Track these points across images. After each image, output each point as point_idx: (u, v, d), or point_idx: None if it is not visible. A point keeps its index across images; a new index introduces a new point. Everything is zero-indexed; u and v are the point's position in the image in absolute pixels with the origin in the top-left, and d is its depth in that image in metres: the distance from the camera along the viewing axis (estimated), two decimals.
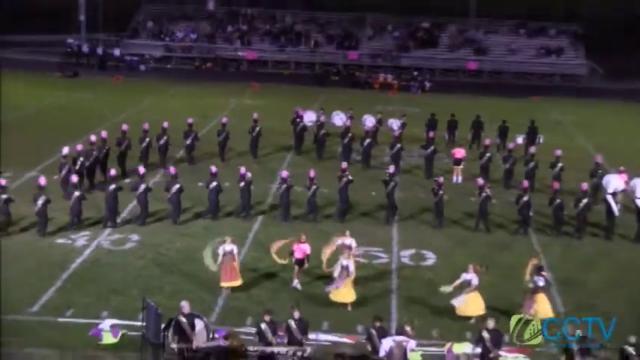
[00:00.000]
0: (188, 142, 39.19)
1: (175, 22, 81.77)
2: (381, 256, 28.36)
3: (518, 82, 74.56)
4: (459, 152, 38.58)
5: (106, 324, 22.24)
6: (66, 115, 49.80)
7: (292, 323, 20.62)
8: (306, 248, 25.35)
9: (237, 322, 22.75)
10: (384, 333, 20.36)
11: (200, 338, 20.41)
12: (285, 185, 31.57)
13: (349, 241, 25.69)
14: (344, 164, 34.14)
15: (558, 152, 36.99)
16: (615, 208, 31.79)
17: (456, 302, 23.59)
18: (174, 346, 20.40)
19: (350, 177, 32.63)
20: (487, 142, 39.15)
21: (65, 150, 34.41)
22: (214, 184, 31.44)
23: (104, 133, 37.06)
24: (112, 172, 32.25)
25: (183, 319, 20.44)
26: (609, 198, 32.11)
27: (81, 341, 21.53)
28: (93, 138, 36.36)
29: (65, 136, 38.51)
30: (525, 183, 32.45)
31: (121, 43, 78.87)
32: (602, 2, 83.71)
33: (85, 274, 25.95)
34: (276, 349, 20.20)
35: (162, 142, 38.25)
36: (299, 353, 20.10)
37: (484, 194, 31.60)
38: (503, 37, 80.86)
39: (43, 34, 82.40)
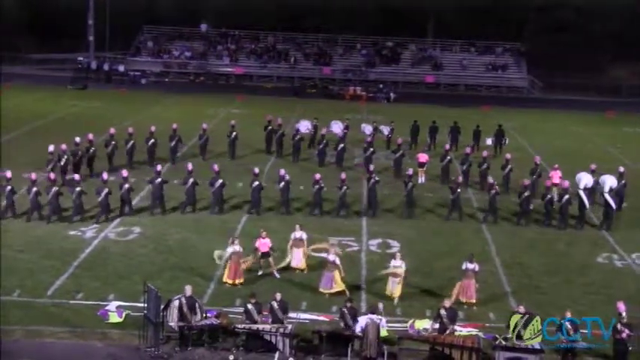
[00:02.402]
0: (172, 144, 38.91)
1: (172, 41, 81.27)
2: (352, 245, 28.23)
3: (470, 94, 74.73)
4: (423, 157, 38.29)
5: (112, 305, 22.04)
6: (80, 121, 49.19)
7: (275, 304, 20.55)
8: (268, 242, 24.84)
9: (226, 304, 22.59)
10: (354, 312, 20.30)
11: (196, 318, 20.32)
12: (317, 186, 31.31)
13: (299, 234, 25.22)
14: (371, 167, 33.83)
15: (508, 156, 37.08)
16: (587, 201, 31.82)
17: (395, 290, 23.31)
18: (172, 324, 20.28)
19: (377, 178, 32.46)
20: (447, 147, 38.90)
21: (51, 148, 34.06)
22: (257, 183, 31.16)
23: (91, 135, 36.68)
24: (158, 167, 31.97)
25: (184, 301, 20.32)
26: (581, 193, 32.12)
27: (90, 321, 21.35)
28: (78, 139, 36.00)
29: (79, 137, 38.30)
30: (526, 181, 32.38)
31: (125, 60, 78.41)
32: (541, 25, 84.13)
33: (93, 262, 25.72)
34: (261, 327, 20.10)
35: (149, 143, 38.03)
36: (281, 330, 20.01)
37: (493, 191, 31.58)
38: (456, 54, 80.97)
39: (57, 53, 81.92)
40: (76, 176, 31.54)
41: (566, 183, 32.13)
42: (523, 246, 29.23)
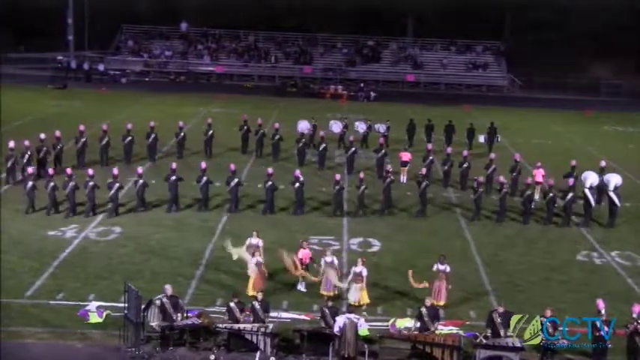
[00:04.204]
0: (149, 141, 38.98)
1: (152, 41, 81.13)
2: (332, 244, 28.16)
3: (450, 92, 74.97)
4: (405, 156, 38.13)
5: (92, 306, 21.87)
6: (61, 120, 48.78)
7: (256, 303, 20.50)
8: (309, 253, 24.19)
9: (207, 303, 22.51)
10: (335, 311, 20.29)
11: (177, 317, 20.27)
12: (338, 187, 31.29)
13: (256, 240, 24.34)
14: (388, 166, 33.91)
15: (492, 155, 37.22)
16: (592, 199, 32.08)
17: (352, 298, 22.41)
18: (154, 324, 20.20)
19: (392, 177, 32.55)
20: (429, 147, 38.89)
21: (12, 144, 34.09)
22: (270, 183, 31.21)
23: (58, 133, 36.74)
24: (173, 165, 31.85)
25: (167, 301, 20.26)
26: (587, 191, 32.30)
27: (70, 321, 21.20)
28: (42, 135, 36.03)
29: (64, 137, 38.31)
30: (528, 180, 32.64)
31: (105, 59, 78.13)
32: (521, 24, 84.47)
33: (73, 262, 25.56)
34: (242, 326, 20.06)
35: (126, 141, 38.04)
36: (262, 329, 19.97)
37: (504, 190, 31.72)
38: (436, 53, 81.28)
39: (37, 52, 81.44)
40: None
41: (571, 181, 32.26)
42: (503, 244, 29.33)
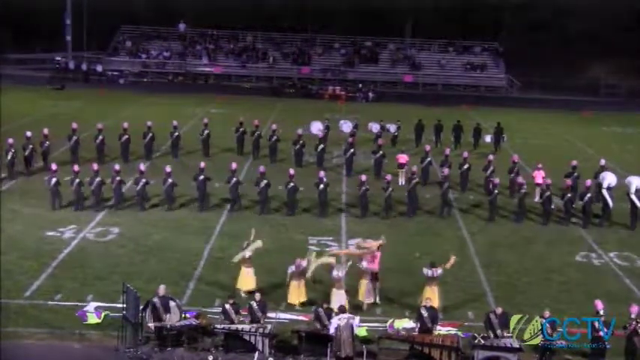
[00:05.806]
0: (146, 141, 39.25)
1: (150, 41, 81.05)
2: (331, 245, 28.20)
3: (448, 93, 74.98)
4: (403, 158, 38.02)
5: (91, 306, 21.94)
6: (59, 121, 48.68)
7: (254, 304, 20.52)
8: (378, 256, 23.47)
9: (205, 304, 22.52)
10: (331, 313, 20.26)
11: (174, 318, 20.28)
12: (364, 188, 31.41)
13: (248, 254, 23.32)
14: (414, 167, 33.92)
15: (491, 157, 37.18)
16: (610, 200, 32.13)
17: (334, 304, 21.42)
18: (150, 324, 20.23)
19: (417, 179, 32.72)
20: (427, 148, 38.83)
21: None
22: (292, 184, 31.36)
23: (46, 130, 37.02)
24: (202, 164, 32.21)
25: (158, 301, 20.26)
26: (605, 192, 32.34)
27: (68, 322, 21.22)
28: (29, 133, 36.32)
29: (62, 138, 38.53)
30: (548, 180, 32.86)
31: (103, 59, 78.07)
32: (519, 25, 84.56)
33: (71, 263, 25.58)
34: (240, 327, 20.08)
35: (122, 139, 38.31)
36: (260, 330, 20.00)
37: (522, 191, 31.85)
38: (434, 54, 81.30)
39: (34, 53, 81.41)
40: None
41: (588, 182, 32.29)
42: (502, 245, 29.34)
